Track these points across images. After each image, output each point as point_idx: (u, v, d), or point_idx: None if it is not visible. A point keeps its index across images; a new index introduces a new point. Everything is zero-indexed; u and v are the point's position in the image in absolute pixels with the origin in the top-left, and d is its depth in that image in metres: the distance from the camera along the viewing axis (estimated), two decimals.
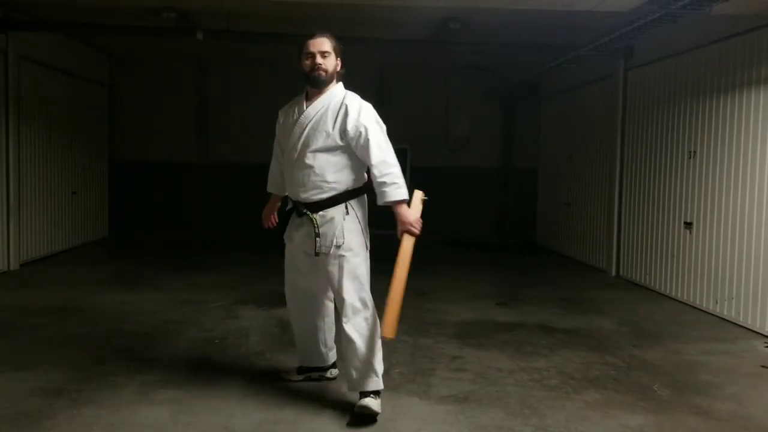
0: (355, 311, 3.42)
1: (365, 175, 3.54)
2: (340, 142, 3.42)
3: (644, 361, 4.52)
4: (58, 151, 8.54)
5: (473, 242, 10.36)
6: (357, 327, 3.40)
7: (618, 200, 7.85)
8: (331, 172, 3.43)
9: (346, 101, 3.46)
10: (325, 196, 3.44)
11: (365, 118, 3.40)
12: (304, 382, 3.91)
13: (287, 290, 3.76)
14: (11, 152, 7.25)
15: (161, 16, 6.92)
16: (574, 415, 3.53)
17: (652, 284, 7.02)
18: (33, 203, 7.85)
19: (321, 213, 3.44)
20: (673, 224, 6.62)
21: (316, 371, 3.93)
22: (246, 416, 3.42)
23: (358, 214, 3.50)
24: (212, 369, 4.17)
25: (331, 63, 3.49)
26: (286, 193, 3.73)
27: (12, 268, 7.30)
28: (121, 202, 10.56)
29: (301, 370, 3.94)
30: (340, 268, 3.43)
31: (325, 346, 3.86)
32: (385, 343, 3.51)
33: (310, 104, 3.53)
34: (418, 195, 3.54)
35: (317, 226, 3.42)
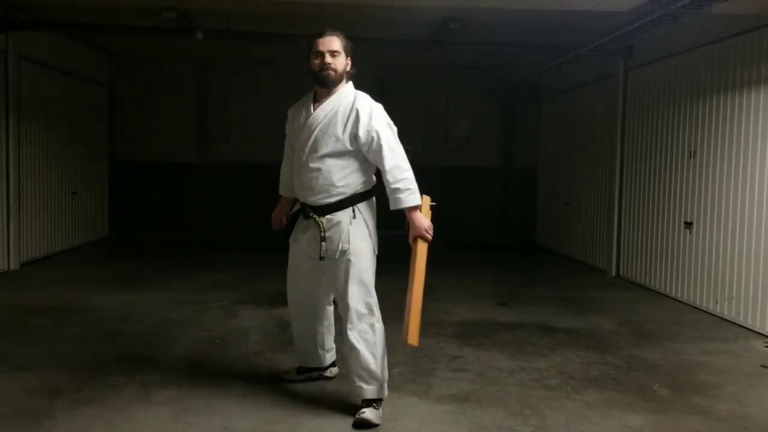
0: (360, 317, 3.38)
1: (374, 177, 3.50)
2: (349, 147, 3.36)
3: (644, 361, 4.52)
4: (58, 151, 8.54)
5: (473, 242, 10.35)
6: (362, 333, 3.37)
7: (618, 200, 7.85)
8: (339, 176, 3.38)
9: (357, 104, 3.38)
10: (332, 200, 3.40)
11: (377, 122, 3.34)
12: (304, 381, 3.90)
13: (289, 291, 3.75)
14: (11, 152, 7.25)
15: (161, 16, 6.91)
16: (574, 415, 3.53)
17: (652, 284, 7.02)
18: (33, 203, 7.85)
19: (328, 216, 3.40)
20: (673, 224, 6.62)
21: (315, 371, 3.93)
22: (246, 416, 3.42)
23: (366, 218, 3.45)
24: (212, 369, 4.17)
25: (341, 63, 3.42)
26: (295, 195, 3.69)
27: (12, 268, 7.30)
28: (121, 202, 10.56)
29: (300, 370, 3.93)
30: (346, 272, 3.39)
31: (323, 348, 3.86)
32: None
33: (319, 106, 3.45)
34: (427, 200, 3.50)
35: (323, 230, 3.39)
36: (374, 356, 3.38)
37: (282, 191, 3.88)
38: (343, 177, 3.39)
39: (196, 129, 10.88)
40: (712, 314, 5.89)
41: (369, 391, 3.39)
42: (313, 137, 3.40)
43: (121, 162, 10.61)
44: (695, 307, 6.16)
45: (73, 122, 8.99)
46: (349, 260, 3.39)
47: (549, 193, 10.30)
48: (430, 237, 3.36)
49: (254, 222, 10.50)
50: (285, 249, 3.72)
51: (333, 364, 3.97)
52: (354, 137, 3.34)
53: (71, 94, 8.96)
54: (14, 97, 7.26)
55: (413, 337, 3.21)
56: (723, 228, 5.81)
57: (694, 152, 6.27)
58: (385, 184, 3.35)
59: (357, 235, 3.40)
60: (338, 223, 3.40)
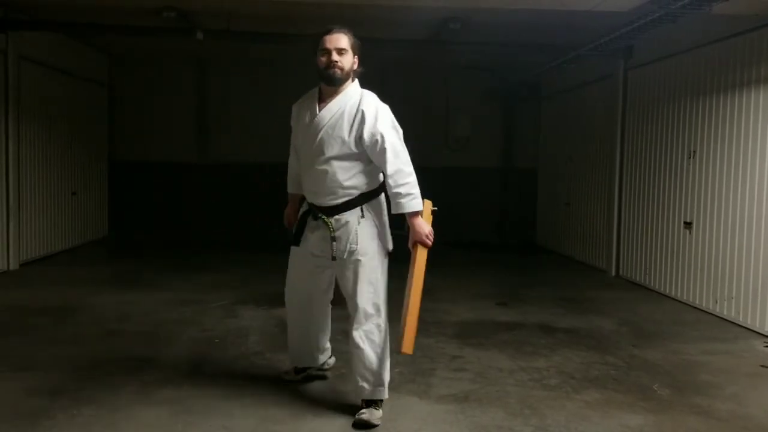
0: (368, 317, 3.37)
1: (380, 176, 3.45)
2: (355, 150, 3.32)
3: (644, 360, 4.52)
4: (57, 151, 8.54)
5: (473, 242, 10.35)
6: (368, 333, 3.37)
7: (618, 200, 7.85)
8: (346, 178, 3.34)
9: (362, 106, 3.31)
10: (339, 201, 3.37)
11: (382, 124, 3.29)
12: (304, 381, 3.90)
13: (288, 290, 3.72)
14: (11, 152, 7.25)
15: (161, 15, 6.91)
16: (574, 414, 3.53)
17: (652, 284, 7.02)
18: (33, 203, 7.85)
19: (336, 217, 3.38)
20: (673, 224, 6.62)
21: (312, 368, 3.92)
22: (246, 416, 3.42)
23: (375, 217, 3.42)
24: (212, 369, 4.17)
25: (347, 61, 3.35)
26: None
27: (12, 268, 7.29)
28: (120, 202, 10.56)
29: (297, 370, 3.92)
30: (355, 273, 3.38)
31: (318, 348, 3.85)
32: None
33: (324, 106, 3.39)
34: (428, 205, 3.47)
35: (333, 231, 3.37)
36: (378, 357, 3.37)
37: (290, 188, 3.83)
38: (349, 178, 3.35)
39: (196, 129, 10.88)
40: (712, 314, 5.89)
41: (371, 391, 3.39)
42: (318, 139, 3.35)
43: (121, 162, 10.61)
44: (695, 307, 6.16)
45: (73, 122, 8.99)
46: (358, 260, 3.37)
47: (549, 193, 10.30)
48: (430, 243, 3.33)
49: (254, 222, 10.62)
50: (285, 249, 3.72)
51: (329, 357, 3.99)
52: (359, 139, 3.30)
53: (71, 94, 8.95)
54: (14, 97, 7.26)
55: (408, 345, 3.19)
56: (723, 228, 5.81)
57: (694, 152, 6.27)
58: (387, 188, 3.32)
59: (366, 234, 3.38)
60: (346, 223, 3.37)
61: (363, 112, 3.30)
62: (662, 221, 6.83)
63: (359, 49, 3.43)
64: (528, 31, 7.45)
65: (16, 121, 7.31)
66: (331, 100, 3.39)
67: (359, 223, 3.38)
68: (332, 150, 3.33)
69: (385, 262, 3.46)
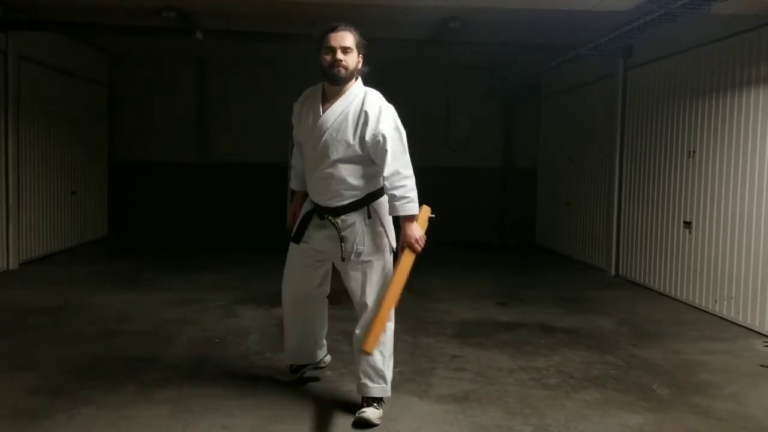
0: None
1: None
2: (360, 152, 3.28)
3: (644, 360, 4.52)
4: (57, 151, 8.54)
5: (473, 242, 10.35)
6: None
7: (618, 200, 7.85)
8: (352, 180, 3.32)
9: (366, 106, 3.26)
10: (345, 202, 3.35)
11: (384, 125, 3.23)
12: (301, 380, 3.90)
13: (285, 287, 3.69)
14: (11, 152, 7.25)
15: (161, 15, 6.91)
16: (573, 414, 3.53)
17: (652, 284, 7.02)
18: (32, 203, 7.85)
19: (342, 217, 3.36)
20: (673, 223, 6.62)
21: (308, 366, 3.91)
22: (245, 416, 3.42)
23: (381, 216, 3.39)
24: (212, 368, 4.17)
25: (352, 60, 3.29)
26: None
27: (11, 267, 7.30)
28: (120, 201, 10.56)
29: (294, 369, 3.91)
30: (364, 273, 3.37)
31: (316, 344, 3.84)
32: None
33: (328, 107, 3.33)
34: (426, 211, 3.45)
35: (340, 231, 3.35)
36: (383, 355, 3.37)
37: (294, 185, 3.78)
38: (355, 180, 3.32)
39: (196, 129, 10.88)
40: (712, 314, 5.89)
41: (374, 389, 3.39)
42: (322, 142, 3.31)
43: (121, 162, 10.61)
44: (695, 307, 6.16)
45: (73, 122, 9.00)
46: (365, 261, 3.36)
47: (549, 193, 10.31)
48: (419, 248, 3.28)
49: (254, 222, 10.63)
50: (286, 249, 3.70)
51: (325, 354, 3.97)
52: (363, 140, 3.26)
53: (71, 94, 8.96)
54: (14, 97, 7.26)
55: (370, 345, 3.15)
56: (722, 227, 5.81)
57: (694, 152, 6.27)
58: (384, 189, 3.30)
59: (373, 234, 3.37)
60: (353, 224, 3.36)
61: (366, 112, 3.26)
62: (662, 221, 6.83)
63: (364, 48, 3.38)
64: (528, 31, 7.45)
65: (15, 120, 7.31)
66: (335, 101, 3.34)
67: (366, 223, 3.37)
68: (337, 153, 3.29)
69: (390, 260, 3.45)
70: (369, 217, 3.38)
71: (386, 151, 3.22)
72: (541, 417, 3.47)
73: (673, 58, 6.64)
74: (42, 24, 7.57)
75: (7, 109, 7.19)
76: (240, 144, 10.67)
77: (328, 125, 3.31)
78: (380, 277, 3.39)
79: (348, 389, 3.72)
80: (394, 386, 3.77)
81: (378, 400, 3.41)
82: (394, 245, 3.47)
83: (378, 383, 3.38)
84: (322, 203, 3.42)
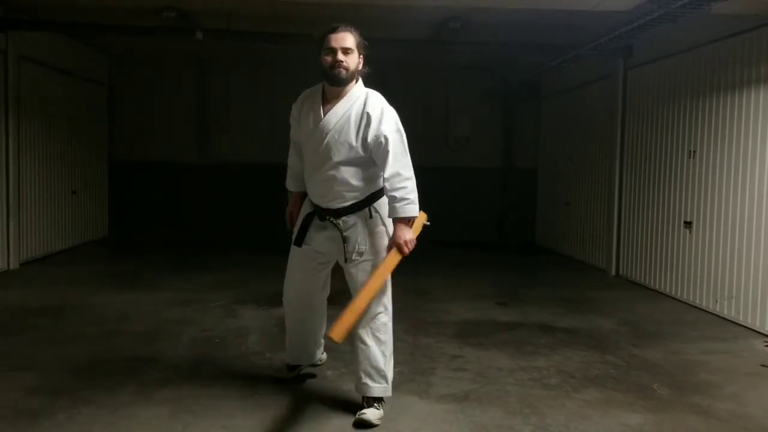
0: (376, 315, 3.36)
1: None
2: (363, 154, 3.27)
3: (644, 360, 4.52)
4: (57, 151, 8.54)
5: (473, 242, 10.36)
6: (375, 331, 3.35)
7: (618, 200, 7.85)
8: (354, 182, 3.31)
9: (368, 108, 3.25)
10: (347, 203, 3.34)
11: (386, 126, 3.22)
12: (300, 376, 3.92)
13: (288, 290, 3.69)
14: (11, 151, 7.26)
15: (161, 15, 6.92)
16: (573, 414, 3.53)
17: (652, 283, 7.02)
18: (33, 202, 7.86)
19: (344, 218, 3.35)
20: (673, 223, 6.62)
21: (304, 365, 3.94)
22: (246, 416, 3.42)
23: (383, 215, 3.39)
24: (212, 368, 4.17)
25: (353, 61, 3.27)
26: (305, 190, 3.62)
27: (12, 267, 7.30)
28: (121, 201, 10.56)
29: (291, 367, 3.93)
30: (366, 272, 3.36)
31: (316, 344, 3.87)
32: None
33: (329, 109, 3.31)
34: (422, 217, 3.44)
35: (342, 231, 3.35)
36: (384, 355, 3.38)
37: (291, 186, 3.77)
38: (357, 181, 3.32)
39: (196, 129, 10.88)
40: (712, 313, 5.89)
41: (375, 389, 3.38)
42: (324, 144, 3.29)
43: (121, 162, 10.61)
44: (695, 307, 6.16)
45: (73, 122, 9.00)
46: (367, 261, 3.37)
47: (549, 193, 10.31)
48: (406, 251, 3.26)
49: (254, 222, 10.62)
50: (286, 249, 3.71)
51: (322, 351, 4.01)
52: (365, 141, 3.25)
53: (71, 94, 8.96)
54: (14, 97, 7.26)
55: (338, 333, 3.11)
56: (723, 227, 5.81)
57: (694, 152, 6.27)
58: (384, 190, 3.29)
59: (374, 234, 3.37)
60: (354, 224, 3.36)
61: (368, 114, 3.25)
62: (662, 221, 6.83)
63: (365, 49, 3.36)
64: (528, 31, 7.45)
65: (16, 120, 7.31)
66: (336, 103, 3.32)
67: (367, 223, 3.36)
68: (340, 155, 3.28)
69: None
70: (370, 217, 3.38)
71: (388, 152, 3.21)
72: (541, 417, 3.47)
73: (673, 58, 6.64)
74: (42, 24, 7.57)
75: (7, 108, 7.19)
76: (240, 144, 10.67)
77: (330, 127, 3.29)
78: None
79: (348, 389, 3.72)
80: (395, 386, 3.77)
81: (378, 400, 3.41)
82: None
83: (379, 383, 3.38)
84: (324, 205, 3.41)
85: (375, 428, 3.30)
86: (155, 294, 6.26)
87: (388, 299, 3.41)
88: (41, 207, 8.08)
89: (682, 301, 6.39)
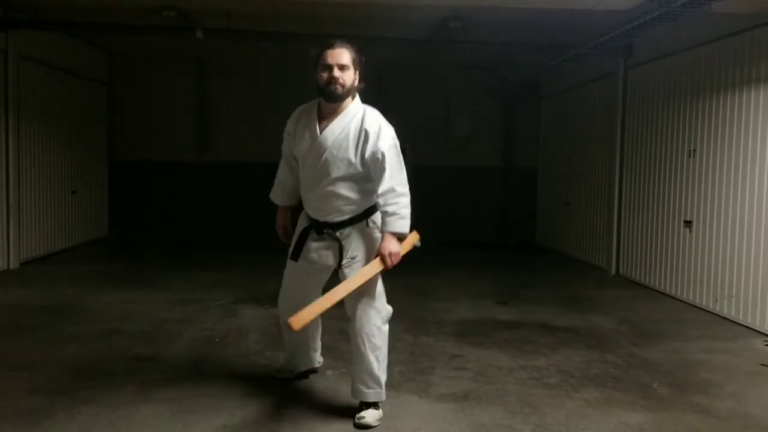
0: (369, 320, 3.35)
1: None
2: (361, 170, 3.28)
3: (644, 359, 4.52)
4: (58, 151, 8.54)
5: (473, 242, 10.35)
6: (369, 336, 3.34)
7: (618, 199, 7.85)
8: (353, 196, 3.32)
9: (365, 124, 3.25)
10: (345, 217, 3.36)
11: (383, 142, 3.22)
12: (297, 377, 3.92)
13: (284, 301, 3.66)
14: (11, 151, 7.26)
15: (161, 14, 6.93)
16: (573, 413, 3.53)
17: (652, 283, 7.02)
18: (33, 202, 7.86)
19: (341, 230, 3.37)
20: (673, 223, 6.62)
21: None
22: (246, 415, 3.42)
23: (377, 225, 3.39)
24: (212, 368, 4.17)
25: (349, 77, 3.26)
26: (294, 203, 3.67)
27: (12, 267, 7.30)
28: (121, 201, 10.56)
29: (290, 373, 3.95)
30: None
31: (314, 350, 3.91)
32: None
33: (326, 125, 3.31)
34: (414, 237, 3.43)
35: (340, 240, 3.36)
36: (378, 360, 3.37)
37: (278, 199, 3.77)
38: (355, 196, 3.33)
39: (196, 129, 10.88)
40: (712, 313, 5.88)
41: (369, 394, 3.39)
42: (323, 160, 3.29)
43: (121, 162, 10.61)
44: (695, 306, 6.16)
45: (73, 121, 9.00)
46: (359, 261, 3.37)
47: (549, 192, 10.30)
48: (389, 264, 3.23)
49: (254, 222, 10.58)
50: (285, 249, 3.70)
51: (319, 356, 4.04)
52: (363, 157, 3.26)
53: (71, 94, 8.96)
54: (14, 97, 7.26)
55: (297, 322, 3.10)
56: (723, 226, 5.81)
57: (694, 151, 6.27)
58: (377, 206, 3.30)
59: (369, 241, 3.37)
60: (350, 233, 3.38)
61: (366, 130, 3.25)
62: (662, 220, 6.83)
63: (361, 65, 3.35)
64: (528, 31, 7.45)
65: (16, 120, 7.31)
66: (333, 119, 3.33)
67: (363, 231, 3.38)
68: (338, 171, 3.29)
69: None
70: (367, 225, 3.39)
71: (384, 168, 3.22)
72: (541, 416, 3.47)
73: (674, 57, 6.63)
74: (42, 23, 7.57)
75: (7, 108, 7.19)
76: (240, 144, 10.67)
77: (328, 144, 3.29)
78: (373, 282, 3.36)
79: (348, 388, 3.71)
80: (394, 385, 3.79)
81: (376, 403, 3.41)
82: None
83: (373, 388, 3.39)
84: (321, 219, 3.42)
85: (375, 428, 3.30)
86: (155, 293, 6.26)
87: (381, 303, 3.41)
88: (41, 207, 8.08)
89: (682, 301, 6.39)
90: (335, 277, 3.53)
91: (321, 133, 3.32)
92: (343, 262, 3.39)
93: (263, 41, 8.00)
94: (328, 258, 3.45)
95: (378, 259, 3.25)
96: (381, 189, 3.22)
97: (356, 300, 3.35)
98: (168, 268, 7.68)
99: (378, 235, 3.38)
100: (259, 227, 3.90)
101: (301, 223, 3.56)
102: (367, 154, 3.23)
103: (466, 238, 10.49)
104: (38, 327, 5.04)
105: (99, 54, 9.98)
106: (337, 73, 3.23)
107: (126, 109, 10.62)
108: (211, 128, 10.87)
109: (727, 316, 5.69)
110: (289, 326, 3.13)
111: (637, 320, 5.66)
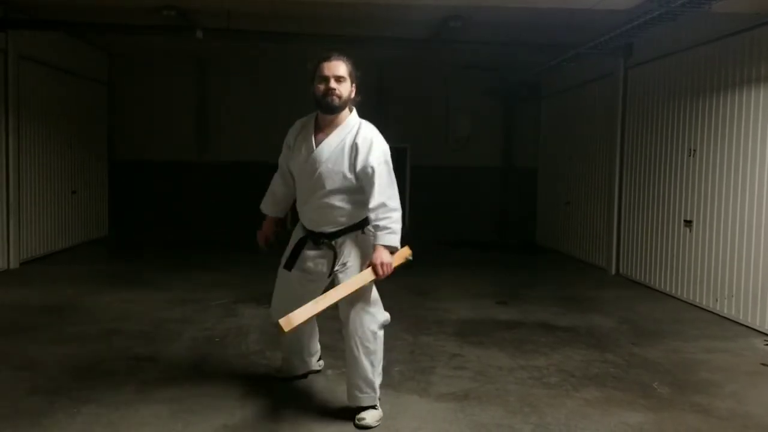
0: (363, 325, 3.35)
1: None
2: (355, 183, 3.31)
3: (644, 359, 4.52)
4: (58, 150, 8.54)
5: (473, 242, 10.35)
6: (363, 341, 3.34)
7: (618, 199, 7.85)
8: (348, 208, 3.35)
9: (358, 139, 3.28)
10: (340, 228, 3.39)
11: (373, 157, 3.25)
12: (300, 379, 3.92)
13: (277, 310, 3.61)
14: (11, 151, 7.26)
15: (161, 14, 6.93)
16: (574, 412, 3.53)
17: (652, 282, 7.02)
18: (33, 202, 7.86)
19: (335, 240, 3.40)
20: (673, 222, 6.62)
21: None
22: (246, 415, 3.42)
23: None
24: (212, 368, 4.17)
25: (345, 89, 3.30)
26: (282, 216, 3.71)
27: (12, 266, 7.30)
28: (120, 201, 10.57)
29: (287, 377, 3.96)
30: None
31: (310, 353, 3.91)
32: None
33: (322, 138, 3.34)
34: (405, 252, 3.43)
35: (335, 248, 3.39)
36: (372, 364, 3.37)
37: (268, 210, 3.79)
38: (351, 207, 3.35)
39: (196, 129, 10.89)
40: (712, 312, 5.88)
41: (363, 399, 3.39)
42: (317, 173, 3.32)
43: (121, 161, 10.62)
44: (695, 306, 6.16)
45: (73, 121, 9.00)
46: (353, 266, 3.37)
47: (549, 192, 10.30)
48: (380, 273, 3.23)
49: (254, 222, 10.60)
50: (285, 249, 3.69)
51: (319, 358, 4.04)
52: (355, 171, 3.28)
53: (71, 94, 8.96)
54: (14, 97, 7.27)
55: (288, 325, 3.11)
56: (723, 226, 5.81)
57: (694, 150, 6.27)
58: (369, 220, 3.31)
59: (363, 248, 3.39)
60: (344, 241, 3.40)
61: (357, 144, 3.28)
62: (662, 220, 6.83)
63: (357, 78, 3.38)
64: (528, 30, 7.46)
65: (16, 120, 7.31)
66: (329, 132, 3.35)
67: (357, 239, 3.40)
68: (333, 184, 3.32)
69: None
70: (362, 232, 3.40)
71: (374, 183, 3.24)
72: (541, 415, 3.47)
73: (674, 56, 6.63)
74: (42, 23, 7.58)
75: (7, 108, 7.19)
76: (240, 144, 10.68)
77: (324, 158, 3.31)
78: (366, 287, 3.36)
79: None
80: (394, 385, 3.79)
81: (373, 405, 3.41)
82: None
83: (367, 393, 3.39)
84: (317, 230, 3.44)
85: (375, 428, 3.30)
86: (155, 293, 6.26)
87: (376, 309, 3.40)
88: (41, 207, 8.09)
89: (682, 300, 6.39)
90: (330, 287, 3.53)
91: (317, 146, 3.35)
92: (336, 267, 3.40)
93: (263, 41, 8.00)
94: (323, 266, 3.47)
95: (370, 268, 3.26)
96: (372, 204, 3.24)
97: (350, 305, 3.35)
98: (168, 268, 7.68)
99: (371, 241, 3.38)
100: (259, 227, 3.88)
101: (296, 234, 3.58)
102: (358, 168, 3.26)
103: (466, 238, 10.49)
104: (38, 327, 5.04)
105: (99, 54, 9.98)
106: (333, 84, 3.27)
107: (126, 109, 10.63)
108: (211, 128, 10.88)
109: (727, 316, 5.69)
110: (279, 328, 3.14)
111: (637, 320, 5.66)
